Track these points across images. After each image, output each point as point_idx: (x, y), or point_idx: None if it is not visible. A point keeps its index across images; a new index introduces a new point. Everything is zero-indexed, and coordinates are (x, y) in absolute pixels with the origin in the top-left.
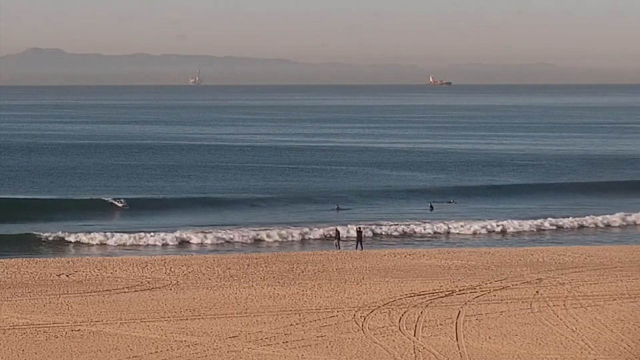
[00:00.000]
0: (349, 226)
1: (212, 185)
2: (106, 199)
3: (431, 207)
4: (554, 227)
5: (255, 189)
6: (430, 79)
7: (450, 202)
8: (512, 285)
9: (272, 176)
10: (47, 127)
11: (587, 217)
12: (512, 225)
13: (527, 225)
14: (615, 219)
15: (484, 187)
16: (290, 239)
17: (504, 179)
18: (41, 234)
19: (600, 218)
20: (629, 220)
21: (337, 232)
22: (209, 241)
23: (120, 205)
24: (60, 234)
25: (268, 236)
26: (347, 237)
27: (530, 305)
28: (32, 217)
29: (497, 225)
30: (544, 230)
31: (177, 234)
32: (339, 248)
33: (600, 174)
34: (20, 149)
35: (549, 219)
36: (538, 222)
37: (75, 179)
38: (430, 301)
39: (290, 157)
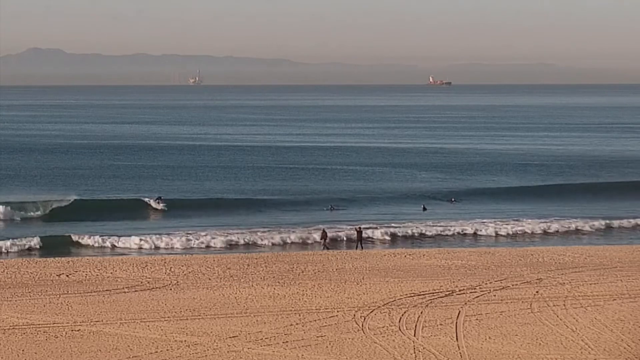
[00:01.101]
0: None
1: (216, 185)
2: (145, 199)
3: (424, 207)
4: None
5: (253, 190)
6: (430, 79)
7: (451, 201)
8: (512, 285)
9: (271, 175)
10: (47, 127)
11: None
12: (575, 224)
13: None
14: None
15: (484, 187)
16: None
17: (504, 179)
18: (80, 237)
19: None
20: None
21: (324, 233)
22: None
23: (159, 206)
24: (100, 238)
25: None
26: (346, 238)
27: (530, 305)
28: (70, 218)
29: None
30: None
31: (227, 236)
32: (327, 248)
33: (600, 173)
34: (21, 149)
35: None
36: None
37: (88, 179)
38: (430, 301)
39: (290, 157)
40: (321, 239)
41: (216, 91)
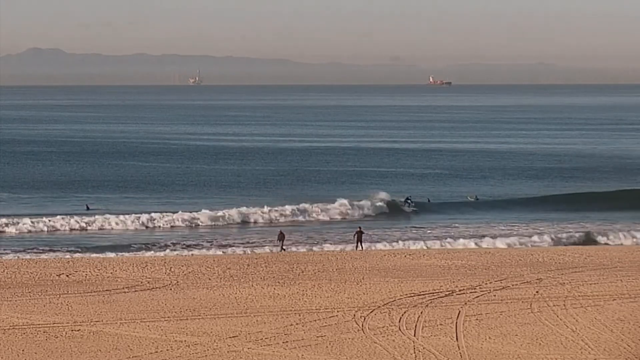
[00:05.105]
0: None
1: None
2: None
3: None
4: None
5: (251, 191)
6: (430, 79)
7: (475, 200)
8: (512, 285)
9: (271, 174)
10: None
11: None
12: None
13: None
14: None
15: (491, 191)
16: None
17: (504, 183)
18: None
19: None
20: None
21: (281, 235)
22: None
23: (409, 209)
24: None
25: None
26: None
27: (530, 305)
28: None
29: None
30: None
31: None
32: (282, 250)
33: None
34: (22, 152)
35: None
36: None
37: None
38: (430, 301)
39: (289, 157)
40: (278, 241)
41: (217, 91)
